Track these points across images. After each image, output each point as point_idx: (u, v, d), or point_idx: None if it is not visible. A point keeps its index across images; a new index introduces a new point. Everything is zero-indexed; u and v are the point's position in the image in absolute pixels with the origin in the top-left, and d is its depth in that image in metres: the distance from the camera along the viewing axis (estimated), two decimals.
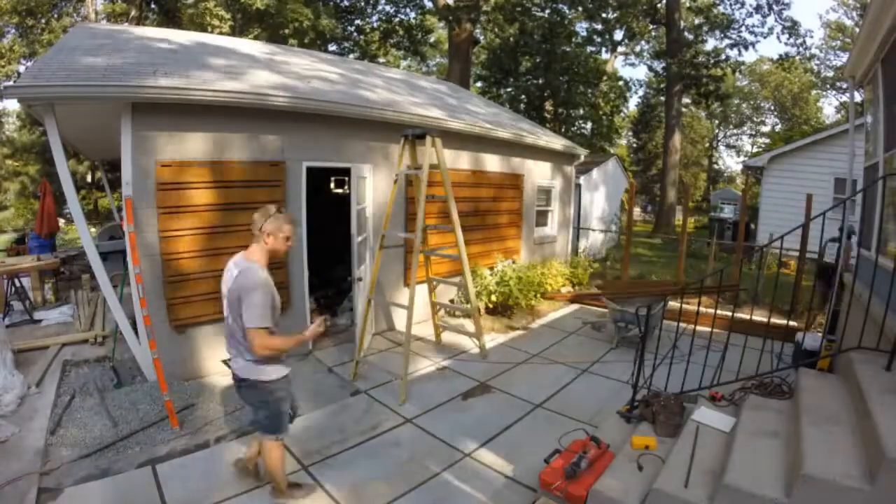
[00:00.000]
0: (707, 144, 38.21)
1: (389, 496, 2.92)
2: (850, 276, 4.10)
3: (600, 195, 13.34)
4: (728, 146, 39.67)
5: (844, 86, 21.97)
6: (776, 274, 6.23)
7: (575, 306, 7.59)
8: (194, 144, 4.27)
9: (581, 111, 23.51)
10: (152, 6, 18.28)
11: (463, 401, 4.25)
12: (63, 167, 3.68)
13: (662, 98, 22.98)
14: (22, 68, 16.23)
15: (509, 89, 23.16)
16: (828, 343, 3.66)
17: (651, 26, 22.65)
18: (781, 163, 12.56)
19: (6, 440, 3.25)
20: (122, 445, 3.33)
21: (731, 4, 19.51)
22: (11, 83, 3.61)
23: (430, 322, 5.78)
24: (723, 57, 19.52)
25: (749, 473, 2.29)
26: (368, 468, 3.22)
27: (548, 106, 22.85)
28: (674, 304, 6.34)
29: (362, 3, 21.48)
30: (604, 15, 20.28)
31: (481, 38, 22.72)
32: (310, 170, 5.00)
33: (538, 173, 8.41)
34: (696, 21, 20.28)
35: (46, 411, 3.64)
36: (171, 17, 17.09)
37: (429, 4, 20.98)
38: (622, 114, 28.31)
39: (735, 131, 38.44)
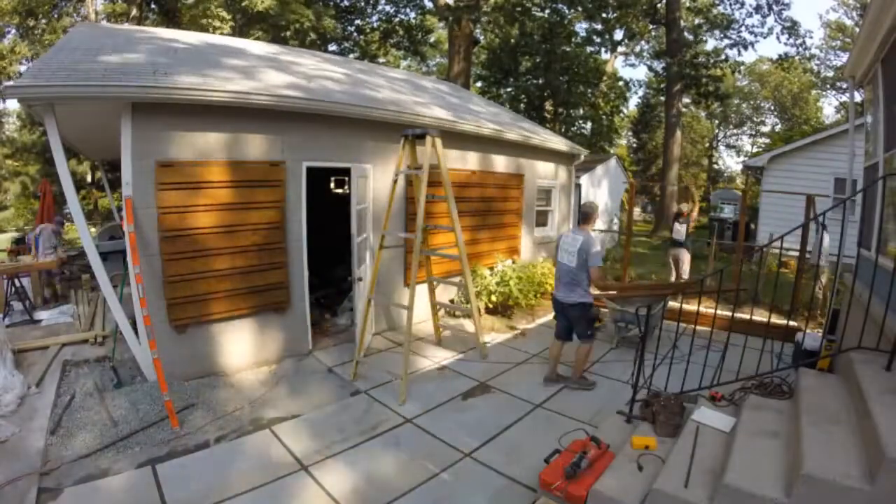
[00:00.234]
0: (707, 144, 38.18)
1: (389, 496, 2.92)
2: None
3: (600, 195, 13.34)
4: (728, 146, 39.64)
5: (844, 86, 21.96)
6: (776, 274, 6.23)
7: None
8: (194, 144, 4.27)
9: (581, 111, 23.54)
10: (152, 6, 18.28)
11: (463, 401, 4.25)
12: (63, 167, 3.68)
13: (662, 98, 22.95)
14: (22, 69, 16.24)
15: (509, 89, 23.17)
16: (828, 343, 3.66)
17: (651, 26, 22.64)
18: (781, 163, 12.55)
19: (6, 440, 3.25)
20: (122, 445, 3.33)
21: (730, 4, 19.52)
22: (11, 83, 3.60)
23: (431, 322, 5.78)
24: (723, 57, 19.52)
25: (749, 473, 2.29)
26: (368, 468, 3.22)
27: (548, 106, 22.87)
28: (674, 303, 6.34)
29: (362, 3, 21.49)
30: (604, 15, 20.27)
31: (481, 38, 22.72)
32: (310, 170, 5.00)
33: (539, 173, 8.41)
34: (696, 21, 20.28)
35: (46, 411, 3.64)
36: (171, 18, 17.09)
37: (429, 4, 21.00)
38: (622, 114, 28.30)
39: (735, 131, 38.40)
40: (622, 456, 2.88)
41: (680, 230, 8.25)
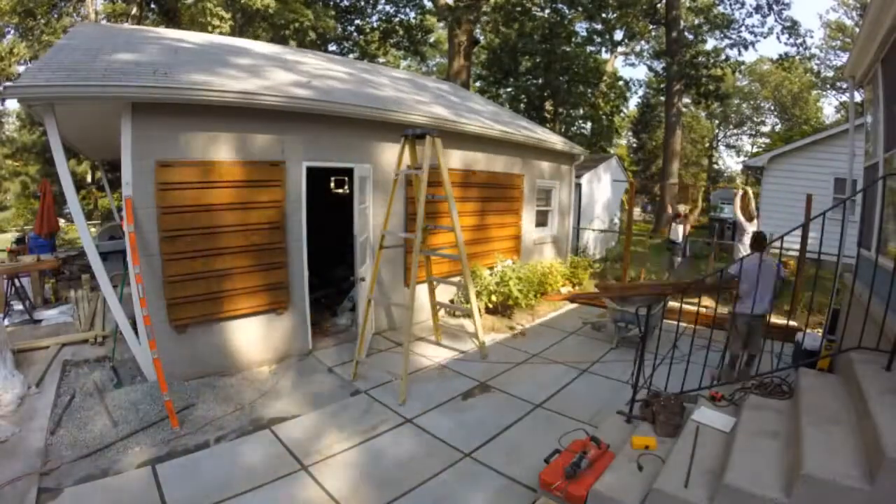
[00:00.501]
0: (707, 144, 38.18)
1: (389, 496, 2.92)
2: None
3: (600, 195, 13.34)
4: (728, 146, 39.65)
5: (844, 86, 21.95)
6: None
7: (575, 306, 7.59)
8: (194, 144, 4.27)
9: (581, 111, 23.51)
10: (152, 6, 18.27)
11: (463, 401, 4.25)
12: (63, 167, 3.68)
13: (662, 98, 22.97)
14: (21, 69, 16.23)
15: (509, 89, 23.16)
16: (828, 343, 3.67)
17: (651, 26, 22.64)
18: (781, 163, 12.54)
19: (6, 440, 3.25)
20: (122, 445, 3.33)
21: (731, 4, 19.52)
22: (11, 83, 3.60)
23: (431, 322, 5.78)
24: (723, 57, 19.52)
25: (749, 473, 2.30)
26: (368, 468, 3.22)
27: (548, 106, 22.85)
28: (674, 303, 6.34)
29: (362, 3, 21.48)
30: (604, 15, 20.26)
31: (481, 38, 22.71)
32: (310, 170, 5.00)
33: (539, 173, 8.41)
34: (696, 21, 20.28)
35: (46, 411, 3.65)
36: (170, 17, 17.08)
37: (429, 4, 20.99)
38: (622, 114, 28.28)
39: (735, 131, 38.40)
40: (622, 456, 2.88)
41: (677, 230, 8.25)
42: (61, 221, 12.83)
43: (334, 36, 19.54)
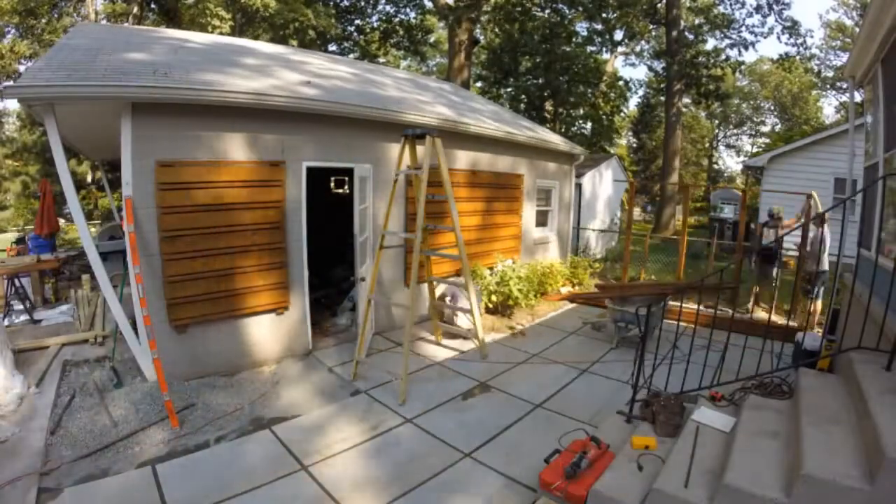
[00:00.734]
0: (707, 144, 38.19)
1: (390, 496, 2.93)
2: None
3: (601, 195, 13.35)
4: (728, 146, 39.68)
5: (844, 86, 21.96)
6: (776, 274, 6.23)
7: (575, 306, 7.59)
8: (194, 144, 4.27)
9: (581, 111, 23.52)
10: (152, 6, 18.27)
11: (463, 401, 4.25)
12: (63, 167, 3.68)
13: (662, 98, 22.97)
14: (22, 68, 16.23)
15: (509, 89, 23.17)
16: (828, 343, 3.66)
17: (651, 26, 22.64)
18: (781, 163, 12.56)
19: (6, 440, 3.25)
20: (122, 445, 3.33)
21: (731, 4, 19.54)
22: (11, 83, 3.60)
23: (431, 322, 5.78)
24: (723, 57, 19.53)
25: (749, 473, 2.29)
26: (368, 468, 3.22)
27: (548, 106, 22.86)
28: (674, 303, 6.34)
29: (362, 3, 21.49)
30: (604, 15, 20.28)
31: (481, 38, 22.72)
32: (310, 170, 5.00)
33: (539, 173, 8.41)
34: (696, 21, 20.29)
35: (46, 411, 3.65)
36: (171, 17, 17.09)
37: (429, 4, 20.99)
38: (622, 114, 28.29)
39: (735, 131, 38.43)
40: (622, 456, 2.88)
41: (769, 235, 8.12)
42: (61, 221, 12.83)
43: (334, 36, 19.54)
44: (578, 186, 10.96)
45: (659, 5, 19.96)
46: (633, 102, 33.08)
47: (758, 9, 18.86)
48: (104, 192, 12.65)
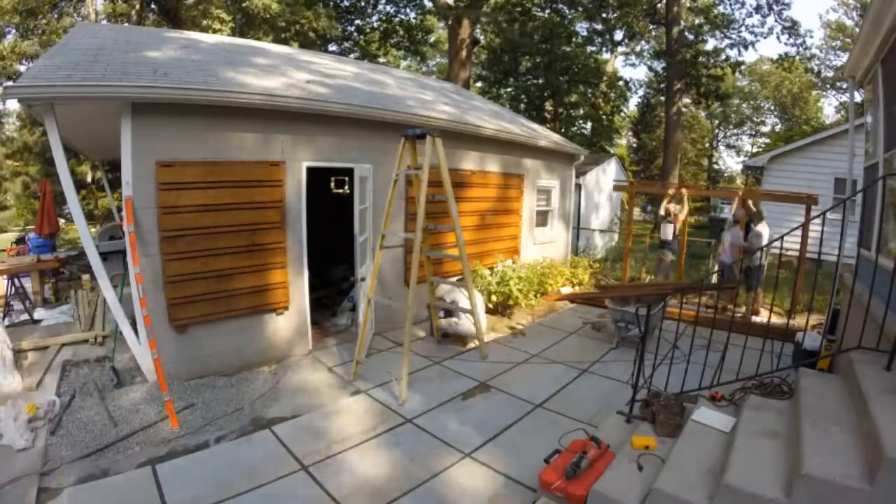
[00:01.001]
0: (707, 144, 38.18)
1: (389, 496, 2.92)
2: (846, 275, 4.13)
3: (601, 195, 13.36)
4: (728, 146, 39.66)
5: (844, 86, 21.96)
6: (776, 274, 6.24)
7: (575, 306, 7.59)
8: (194, 144, 4.27)
9: (581, 111, 23.54)
10: (152, 6, 18.27)
11: (463, 401, 4.25)
12: (63, 167, 3.68)
13: (662, 98, 22.97)
14: (22, 68, 16.23)
15: (509, 89, 23.18)
16: (828, 343, 3.67)
17: (651, 26, 22.65)
18: (781, 163, 12.54)
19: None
20: (122, 445, 3.33)
21: (731, 4, 19.54)
22: (11, 83, 3.60)
23: (431, 322, 5.78)
24: (723, 57, 19.54)
25: (749, 473, 2.29)
26: (368, 468, 3.22)
27: (548, 106, 22.87)
28: (673, 303, 6.34)
29: (362, 3, 21.49)
30: (604, 15, 20.28)
31: (481, 38, 22.73)
32: (310, 169, 5.00)
33: (539, 173, 8.41)
34: (696, 21, 20.29)
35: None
36: (171, 18, 17.08)
37: (429, 4, 21.00)
38: (622, 114, 28.30)
39: (735, 131, 38.42)
40: (622, 456, 2.88)
41: (667, 230, 8.19)
42: (61, 221, 12.84)
43: (334, 36, 19.54)
44: (578, 186, 10.97)
45: (659, 5, 19.96)
46: (633, 102, 33.11)
47: (758, 9, 18.87)
48: (104, 192, 12.64)
